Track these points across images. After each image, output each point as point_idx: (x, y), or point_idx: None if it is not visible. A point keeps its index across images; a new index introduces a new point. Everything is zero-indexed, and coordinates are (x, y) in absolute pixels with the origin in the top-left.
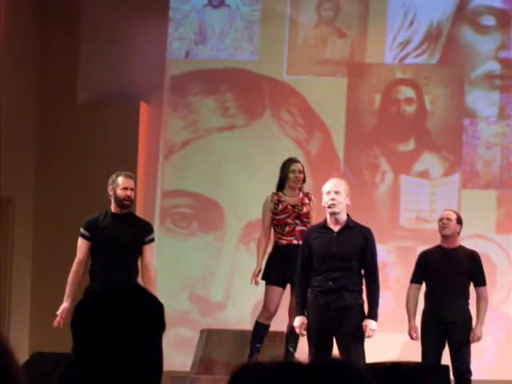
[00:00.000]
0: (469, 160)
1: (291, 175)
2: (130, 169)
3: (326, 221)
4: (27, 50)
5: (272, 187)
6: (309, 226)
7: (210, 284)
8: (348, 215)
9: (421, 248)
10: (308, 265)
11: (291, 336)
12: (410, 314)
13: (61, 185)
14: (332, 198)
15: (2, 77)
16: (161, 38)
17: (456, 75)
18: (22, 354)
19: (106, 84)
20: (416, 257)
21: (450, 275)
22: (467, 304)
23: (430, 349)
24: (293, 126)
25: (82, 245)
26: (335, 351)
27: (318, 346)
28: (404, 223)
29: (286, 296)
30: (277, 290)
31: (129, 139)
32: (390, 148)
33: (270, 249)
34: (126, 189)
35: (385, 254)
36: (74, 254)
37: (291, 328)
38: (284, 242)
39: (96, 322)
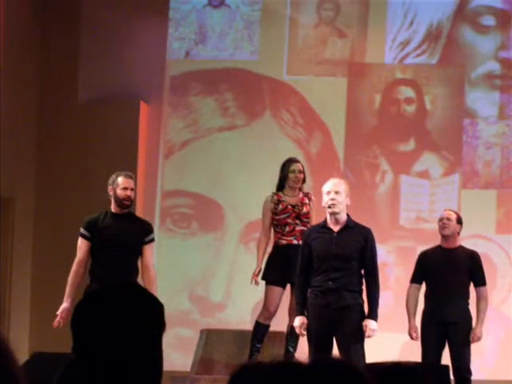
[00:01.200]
0: (469, 160)
1: (291, 175)
2: (130, 169)
3: (325, 221)
4: (27, 50)
5: (272, 187)
6: (309, 225)
7: (210, 284)
8: (348, 215)
9: (421, 248)
10: (308, 265)
11: (291, 336)
12: (410, 314)
13: (61, 185)
14: (332, 198)
15: (2, 77)
16: (161, 38)
17: (456, 75)
18: (22, 354)
19: (106, 84)
20: (416, 257)
21: (449, 275)
22: (467, 304)
23: (430, 349)
24: (293, 126)
25: (81, 245)
26: (335, 351)
27: (318, 346)
28: (404, 223)
29: (286, 296)
30: (277, 290)
31: (129, 139)
32: (390, 148)
33: (270, 249)
34: (126, 189)
35: (385, 254)
36: (74, 254)
37: (291, 328)
38: (284, 241)
39: (96, 322)
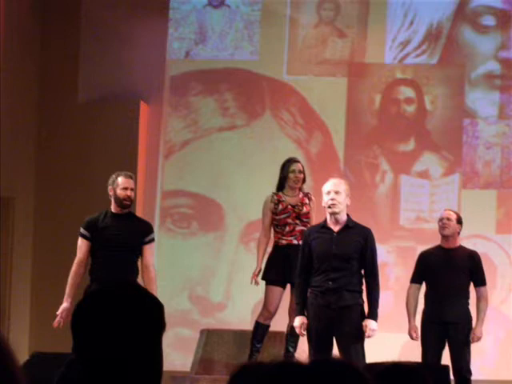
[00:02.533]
0: (469, 160)
1: (291, 175)
2: (130, 169)
3: (325, 221)
4: (27, 50)
5: (272, 187)
6: (309, 225)
7: (210, 284)
8: (348, 215)
9: (421, 248)
10: (308, 265)
11: (291, 336)
12: (410, 314)
13: (61, 185)
14: (332, 198)
15: (2, 77)
16: (161, 38)
17: (456, 75)
18: (22, 354)
19: (106, 84)
20: (416, 257)
21: (449, 275)
22: (467, 304)
23: (430, 349)
24: (293, 126)
25: (81, 245)
26: (335, 351)
27: (318, 345)
28: (404, 223)
29: (286, 296)
30: (277, 290)
31: (129, 139)
32: (390, 148)
33: (270, 249)
34: (126, 189)
35: (385, 254)
36: (74, 254)
37: (291, 328)
38: (284, 242)
39: (96, 321)
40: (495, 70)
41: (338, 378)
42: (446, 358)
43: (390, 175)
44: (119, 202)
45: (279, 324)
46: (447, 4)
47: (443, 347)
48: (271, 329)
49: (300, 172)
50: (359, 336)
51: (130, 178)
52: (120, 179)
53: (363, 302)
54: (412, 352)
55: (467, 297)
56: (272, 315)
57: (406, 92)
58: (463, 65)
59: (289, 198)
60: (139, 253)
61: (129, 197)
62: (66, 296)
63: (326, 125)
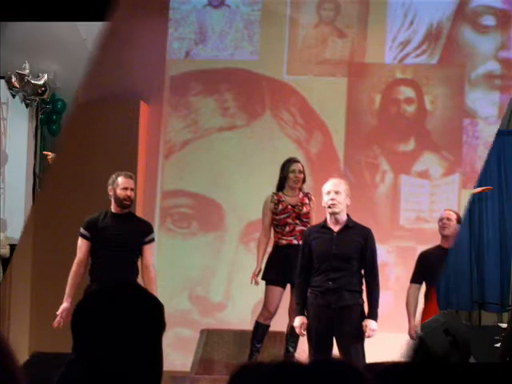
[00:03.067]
0: (469, 160)
1: (291, 175)
2: (130, 169)
3: (325, 221)
4: None
5: (272, 187)
6: (309, 225)
7: (210, 284)
8: (348, 215)
9: (421, 248)
10: (308, 265)
11: (291, 336)
12: (410, 314)
13: (61, 185)
14: (332, 198)
15: None
16: (161, 38)
17: (456, 75)
18: (22, 354)
19: (106, 84)
20: (416, 257)
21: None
22: None
23: None
24: (293, 126)
25: (81, 245)
26: (335, 351)
27: (318, 346)
28: (404, 223)
29: (286, 296)
30: (277, 290)
31: (129, 139)
32: (390, 148)
33: (270, 249)
34: (126, 189)
35: (385, 254)
36: (74, 254)
37: (291, 328)
38: (284, 242)
39: (96, 321)
40: (495, 70)
41: (338, 378)
42: None
43: (389, 175)
44: (119, 202)
45: (279, 324)
46: (447, 4)
47: None
48: (271, 329)
49: (300, 172)
50: (359, 336)
51: (130, 177)
52: (120, 179)
53: (363, 301)
54: None
55: None
56: (272, 315)
57: (406, 92)
58: (463, 65)
59: (289, 198)
60: (139, 253)
61: (129, 197)
62: (66, 296)
63: (326, 125)
